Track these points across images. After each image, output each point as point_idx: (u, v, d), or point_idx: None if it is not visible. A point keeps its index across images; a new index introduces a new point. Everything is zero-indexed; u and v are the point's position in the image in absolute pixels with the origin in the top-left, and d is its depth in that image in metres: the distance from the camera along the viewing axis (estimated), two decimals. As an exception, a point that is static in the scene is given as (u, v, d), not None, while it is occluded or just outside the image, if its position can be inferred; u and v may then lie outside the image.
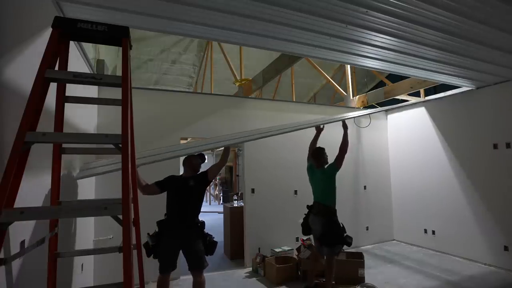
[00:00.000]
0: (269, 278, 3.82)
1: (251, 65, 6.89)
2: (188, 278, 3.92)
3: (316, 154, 3.35)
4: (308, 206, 3.35)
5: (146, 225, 2.49)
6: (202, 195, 2.84)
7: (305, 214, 3.36)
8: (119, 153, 1.50)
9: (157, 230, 2.67)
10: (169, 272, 2.62)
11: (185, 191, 2.71)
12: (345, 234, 3.13)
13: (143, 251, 2.38)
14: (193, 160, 2.88)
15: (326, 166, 3.31)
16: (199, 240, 2.65)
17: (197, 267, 2.60)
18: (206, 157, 3.05)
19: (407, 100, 5.60)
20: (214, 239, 2.74)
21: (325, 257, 3.20)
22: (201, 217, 2.81)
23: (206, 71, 7.90)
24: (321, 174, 3.27)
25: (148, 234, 2.61)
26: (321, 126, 3.54)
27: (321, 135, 3.59)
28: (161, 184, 2.75)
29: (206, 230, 2.75)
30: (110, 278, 2.12)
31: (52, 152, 1.82)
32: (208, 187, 2.95)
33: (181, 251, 2.65)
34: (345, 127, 3.39)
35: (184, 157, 2.93)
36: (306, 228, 3.29)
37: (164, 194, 2.77)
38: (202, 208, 2.83)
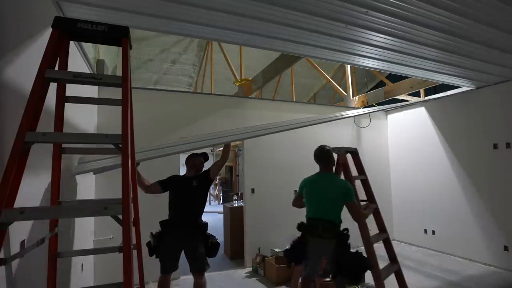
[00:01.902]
0: (269, 278, 3.82)
1: (251, 65, 6.89)
2: (188, 278, 3.92)
3: (323, 154, 2.61)
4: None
5: (147, 225, 2.50)
6: (205, 195, 2.82)
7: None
8: (119, 153, 1.50)
9: (159, 230, 2.67)
10: (170, 273, 2.61)
11: (188, 191, 2.69)
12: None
13: (145, 250, 2.37)
14: (195, 160, 2.86)
15: (343, 183, 2.57)
16: (201, 242, 2.62)
17: (198, 269, 2.58)
18: (209, 156, 3.04)
19: (407, 100, 5.60)
20: (217, 240, 2.71)
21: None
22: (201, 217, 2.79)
23: (206, 71, 7.90)
24: (333, 185, 2.52)
25: (151, 233, 2.61)
26: None
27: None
28: (163, 184, 2.74)
29: (207, 231, 2.74)
30: (110, 278, 2.12)
31: (52, 152, 1.82)
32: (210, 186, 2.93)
33: (183, 252, 2.64)
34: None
35: (186, 156, 2.92)
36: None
37: (166, 194, 2.76)
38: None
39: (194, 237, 2.62)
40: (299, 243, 2.52)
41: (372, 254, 2.71)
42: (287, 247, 2.59)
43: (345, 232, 2.46)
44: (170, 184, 2.75)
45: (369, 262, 2.45)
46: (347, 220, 2.56)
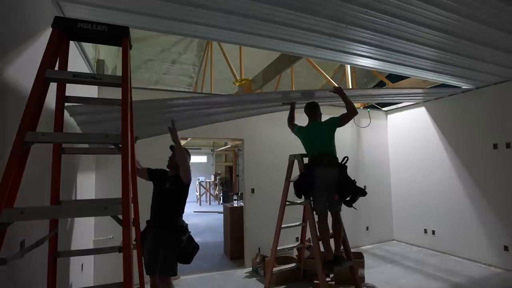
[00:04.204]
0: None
1: (251, 65, 6.88)
2: (188, 278, 3.93)
3: (315, 106, 3.21)
4: (307, 162, 3.08)
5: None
6: (179, 199, 2.59)
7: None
8: (119, 153, 1.50)
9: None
10: (153, 274, 2.44)
11: (161, 191, 2.57)
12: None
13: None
14: (171, 155, 2.65)
15: (328, 119, 3.09)
16: (170, 244, 2.41)
17: (162, 274, 2.38)
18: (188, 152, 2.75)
19: (407, 99, 5.59)
20: (193, 246, 2.49)
21: (332, 217, 2.97)
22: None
23: (206, 71, 7.89)
24: (323, 126, 3.07)
25: None
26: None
27: None
28: (150, 173, 2.65)
29: (186, 234, 2.53)
30: (110, 278, 2.13)
31: (52, 152, 1.82)
32: (188, 189, 2.63)
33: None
34: (338, 92, 3.07)
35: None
36: (308, 185, 2.94)
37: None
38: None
39: (165, 238, 2.43)
40: (307, 171, 2.99)
41: None
42: (296, 180, 3.06)
43: (344, 162, 2.96)
44: (155, 176, 2.64)
45: (364, 189, 2.89)
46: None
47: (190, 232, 2.60)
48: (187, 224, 2.61)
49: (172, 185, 2.55)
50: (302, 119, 3.35)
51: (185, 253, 2.45)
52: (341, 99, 3.09)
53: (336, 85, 3.26)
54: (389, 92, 4.30)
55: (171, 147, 2.63)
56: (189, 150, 2.82)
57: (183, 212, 2.62)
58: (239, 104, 3.42)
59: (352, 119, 5.40)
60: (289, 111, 3.52)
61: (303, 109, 3.32)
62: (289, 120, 3.46)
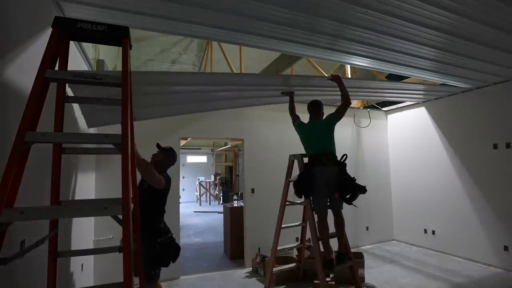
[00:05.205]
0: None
1: (251, 65, 6.88)
2: (188, 278, 3.93)
3: (317, 105, 3.22)
4: (307, 162, 3.10)
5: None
6: (154, 200, 2.51)
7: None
8: (119, 153, 1.50)
9: None
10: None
11: (142, 189, 2.48)
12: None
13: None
14: (155, 154, 2.57)
15: (326, 116, 3.13)
16: (146, 246, 2.31)
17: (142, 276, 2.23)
18: (171, 153, 2.72)
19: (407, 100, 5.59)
20: (164, 254, 2.38)
21: (334, 216, 3.02)
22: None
23: (206, 71, 7.89)
24: (323, 125, 3.10)
25: None
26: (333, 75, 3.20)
27: None
28: None
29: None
30: (110, 278, 2.12)
31: (52, 152, 1.82)
32: (162, 193, 2.54)
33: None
34: (336, 80, 3.12)
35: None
36: (307, 185, 2.98)
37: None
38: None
39: (143, 238, 2.25)
40: (306, 171, 3.01)
41: None
42: (296, 179, 3.09)
43: (343, 160, 2.99)
44: None
45: (364, 187, 2.90)
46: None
47: (171, 233, 2.53)
48: (165, 226, 2.52)
49: (149, 186, 2.45)
50: (302, 118, 3.36)
51: (159, 257, 2.38)
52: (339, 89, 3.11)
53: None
54: (389, 85, 4.29)
55: (158, 145, 2.63)
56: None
57: (161, 214, 2.56)
58: (239, 88, 3.33)
59: (353, 120, 5.49)
60: (288, 103, 3.55)
61: (302, 104, 3.33)
62: (290, 110, 3.48)
